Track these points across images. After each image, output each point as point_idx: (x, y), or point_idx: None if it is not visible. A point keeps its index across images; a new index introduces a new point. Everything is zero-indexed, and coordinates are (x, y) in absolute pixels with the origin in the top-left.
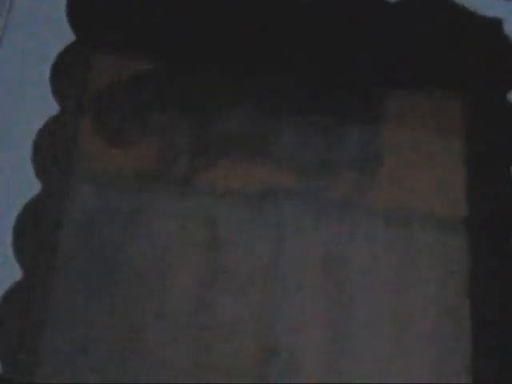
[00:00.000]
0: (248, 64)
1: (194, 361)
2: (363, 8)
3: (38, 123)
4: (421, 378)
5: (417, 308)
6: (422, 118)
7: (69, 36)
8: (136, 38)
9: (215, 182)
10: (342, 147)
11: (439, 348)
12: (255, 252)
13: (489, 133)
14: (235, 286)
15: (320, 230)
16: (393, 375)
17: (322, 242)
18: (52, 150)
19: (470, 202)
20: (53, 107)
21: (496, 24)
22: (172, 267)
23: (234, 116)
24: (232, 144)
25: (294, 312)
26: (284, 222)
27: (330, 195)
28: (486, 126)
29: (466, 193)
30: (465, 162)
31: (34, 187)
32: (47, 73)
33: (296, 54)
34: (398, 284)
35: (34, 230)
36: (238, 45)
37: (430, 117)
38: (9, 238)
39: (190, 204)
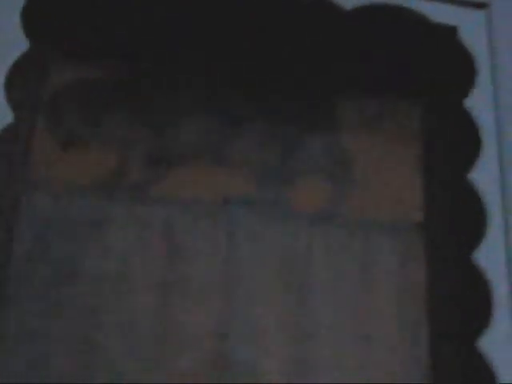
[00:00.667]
0: (207, 72)
1: (150, 372)
2: (319, 17)
3: None
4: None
5: (377, 316)
6: (381, 125)
7: (23, 44)
8: (92, 45)
9: (172, 190)
10: (303, 155)
11: (399, 360)
12: (211, 261)
13: (447, 138)
14: (192, 294)
15: (276, 239)
16: None
17: (279, 251)
18: (6, 159)
19: (427, 209)
20: (7, 115)
21: (451, 31)
22: (129, 277)
23: (192, 124)
24: (189, 152)
25: (250, 321)
26: (239, 230)
27: (289, 203)
28: (444, 131)
29: (424, 199)
30: (423, 168)
31: None
32: (1, 81)
33: (244, 65)
34: (358, 292)
35: None
36: (197, 52)
37: (390, 123)
38: None
39: (147, 213)
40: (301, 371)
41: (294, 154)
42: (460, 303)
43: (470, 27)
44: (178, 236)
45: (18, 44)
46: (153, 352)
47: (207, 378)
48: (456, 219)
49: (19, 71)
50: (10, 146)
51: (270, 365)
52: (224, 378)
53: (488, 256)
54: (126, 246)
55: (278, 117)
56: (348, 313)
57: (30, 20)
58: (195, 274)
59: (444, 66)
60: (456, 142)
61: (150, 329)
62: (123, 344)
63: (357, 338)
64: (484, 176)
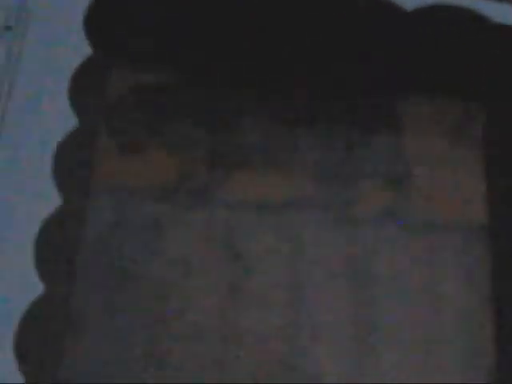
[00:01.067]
0: (260, 76)
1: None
2: (376, 16)
3: (58, 136)
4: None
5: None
6: (441, 127)
7: (86, 50)
8: (152, 51)
9: (232, 193)
10: (365, 156)
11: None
12: (273, 263)
13: (505, 140)
14: (256, 296)
15: (340, 241)
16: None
17: (343, 253)
18: (71, 164)
19: (490, 210)
20: (71, 120)
21: (508, 29)
22: (192, 279)
23: (250, 127)
24: (247, 155)
25: (314, 323)
26: (302, 233)
27: (353, 207)
28: (507, 134)
29: (487, 200)
30: (484, 169)
31: (55, 201)
32: (66, 86)
33: (305, 66)
34: (426, 290)
35: (55, 243)
36: (251, 59)
37: (449, 125)
38: (30, 252)
39: (208, 215)
40: (364, 373)
41: (356, 155)
42: None
43: None
44: (240, 238)
45: (81, 50)
46: (216, 353)
47: (271, 379)
48: None
49: (82, 77)
50: (74, 150)
51: (334, 366)
52: (288, 379)
53: None
54: (188, 248)
55: (339, 118)
56: (412, 314)
57: (93, 27)
58: (258, 276)
59: (506, 65)
60: None
61: (213, 329)
62: (187, 346)
63: (420, 340)
64: None
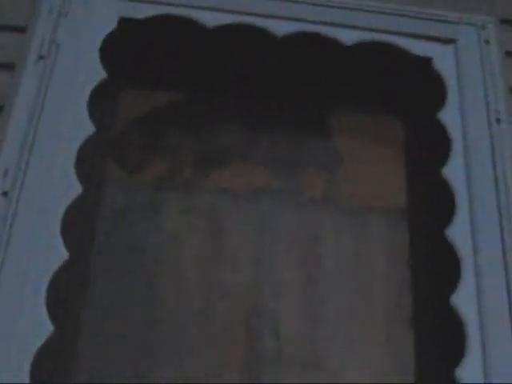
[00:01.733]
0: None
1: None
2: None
3: (79, 140)
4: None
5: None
6: (370, 133)
7: (102, 74)
8: (157, 75)
9: (214, 183)
10: (309, 154)
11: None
12: (246, 236)
13: (422, 141)
14: (230, 263)
15: (291, 216)
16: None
17: (294, 227)
18: (90, 161)
19: (408, 197)
20: (89, 128)
21: (427, 61)
22: (182, 251)
23: (226, 133)
24: (224, 154)
25: (276, 280)
26: (266, 212)
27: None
28: (420, 136)
29: (406, 190)
30: (402, 163)
31: (76, 189)
32: (85, 102)
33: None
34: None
35: (77, 222)
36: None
37: (378, 132)
38: (57, 229)
39: (195, 201)
40: (312, 318)
41: (302, 153)
42: (435, 270)
43: (442, 58)
44: (220, 219)
45: (96, 74)
46: (199, 302)
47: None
48: (431, 204)
49: (98, 95)
50: (91, 151)
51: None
52: (255, 323)
53: (457, 232)
54: (180, 226)
55: (291, 125)
56: (347, 277)
57: (107, 56)
58: (233, 247)
59: (422, 87)
60: (430, 143)
61: (197, 285)
62: (179, 296)
63: (356, 297)
64: (453, 169)
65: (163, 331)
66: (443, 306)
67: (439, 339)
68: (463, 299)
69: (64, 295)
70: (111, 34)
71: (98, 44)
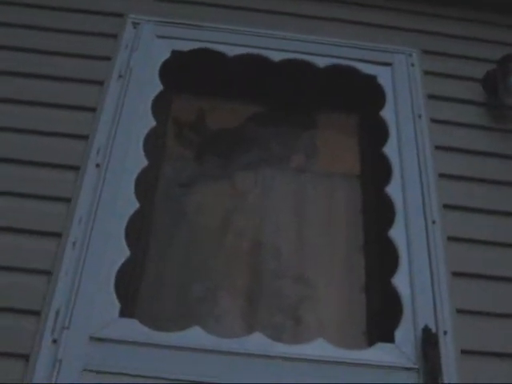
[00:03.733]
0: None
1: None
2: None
3: (145, 131)
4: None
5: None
6: (337, 126)
7: (159, 86)
8: (197, 88)
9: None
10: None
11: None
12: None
13: (370, 132)
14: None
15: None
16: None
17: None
18: (152, 146)
19: (362, 166)
20: (152, 122)
21: (374, 77)
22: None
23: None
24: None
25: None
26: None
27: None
28: (368, 127)
29: (359, 162)
30: (358, 146)
31: (143, 163)
32: (150, 105)
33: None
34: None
35: (144, 187)
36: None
37: (341, 125)
38: (132, 196)
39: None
40: (300, 248)
41: (293, 140)
42: (378, 213)
43: (383, 75)
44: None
45: (156, 87)
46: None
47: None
48: (376, 171)
49: (156, 105)
50: (154, 141)
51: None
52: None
53: (393, 188)
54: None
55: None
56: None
57: (164, 72)
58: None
59: (370, 95)
60: (376, 134)
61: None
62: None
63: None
64: (390, 147)
65: (198, 257)
66: (383, 236)
67: (381, 260)
68: (396, 233)
69: (137, 230)
70: (166, 61)
71: (158, 67)
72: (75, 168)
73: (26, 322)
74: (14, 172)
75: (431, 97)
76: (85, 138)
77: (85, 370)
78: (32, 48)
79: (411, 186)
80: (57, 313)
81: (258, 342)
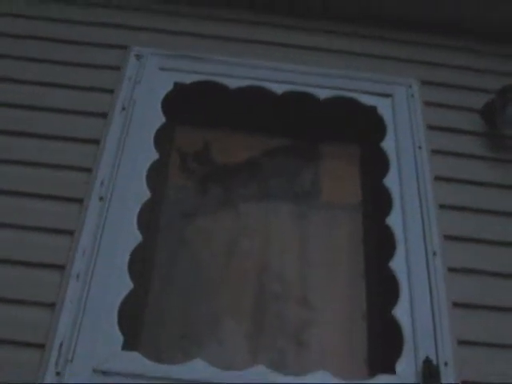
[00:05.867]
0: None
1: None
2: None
3: (148, 163)
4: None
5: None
6: (339, 157)
7: (162, 118)
8: (198, 119)
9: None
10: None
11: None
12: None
13: (371, 162)
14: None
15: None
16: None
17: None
18: (155, 178)
19: (363, 196)
20: (155, 154)
21: (374, 108)
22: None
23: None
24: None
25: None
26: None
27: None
28: (369, 158)
29: (360, 192)
30: (359, 177)
31: (146, 195)
32: (152, 137)
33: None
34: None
35: (147, 218)
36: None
37: (344, 156)
38: (135, 229)
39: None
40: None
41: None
42: (378, 245)
43: (383, 106)
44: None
45: (159, 119)
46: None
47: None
48: (376, 202)
49: (159, 137)
50: (156, 171)
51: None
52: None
53: (394, 219)
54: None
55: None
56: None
57: (167, 104)
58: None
59: (371, 126)
60: (377, 165)
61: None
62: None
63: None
64: (391, 179)
65: (200, 287)
66: (384, 266)
67: (382, 290)
68: (397, 264)
69: (140, 262)
70: (169, 93)
71: (161, 99)
72: (79, 200)
73: (30, 354)
74: (18, 204)
75: (431, 128)
76: (88, 170)
77: None
78: (35, 80)
79: (412, 216)
80: (60, 345)
81: (260, 373)
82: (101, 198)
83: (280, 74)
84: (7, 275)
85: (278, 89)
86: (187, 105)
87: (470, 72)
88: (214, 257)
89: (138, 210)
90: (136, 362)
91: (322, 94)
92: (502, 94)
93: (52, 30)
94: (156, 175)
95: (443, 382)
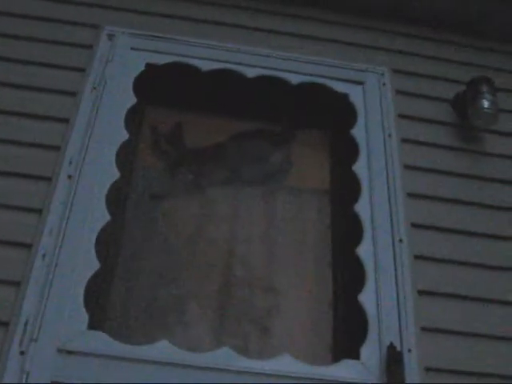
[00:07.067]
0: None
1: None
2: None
3: (118, 143)
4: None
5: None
6: (309, 143)
7: (133, 99)
8: (169, 100)
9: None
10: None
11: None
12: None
13: (342, 148)
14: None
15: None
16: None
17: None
18: (124, 158)
19: (332, 182)
20: (125, 135)
21: (346, 95)
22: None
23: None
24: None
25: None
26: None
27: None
28: (340, 145)
29: (329, 178)
30: (329, 163)
31: (115, 175)
32: (123, 117)
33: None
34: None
35: (116, 199)
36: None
37: (314, 142)
38: (104, 208)
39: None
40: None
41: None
42: (346, 229)
43: (355, 93)
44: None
45: (130, 99)
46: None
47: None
48: (345, 187)
49: (131, 113)
50: (126, 151)
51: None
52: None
53: (361, 206)
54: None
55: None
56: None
57: (138, 84)
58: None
59: (342, 113)
60: (347, 152)
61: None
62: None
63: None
64: (359, 165)
65: (167, 268)
66: (351, 252)
67: (348, 276)
68: (364, 250)
69: (107, 242)
70: (140, 74)
71: (132, 80)
72: (47, 179)
73: None
74: None
75: (402, 116)
76: (57, 148)
77: (52, 382)
78: (4, 56)
79: (379, 204)
80: (25, 324)
81: (225, 356)
82: (69, 177)
83: (252, 57)
84: None
85: (250, 72)
86: (159, 86)
87: (442, 62)
88: (181, 240)
89: (106, 189)
90: (101, 341)
91: (295, 79)
92: (472, 85)
93: (24, 6)
94: (125, 155)
95: (406, 368)
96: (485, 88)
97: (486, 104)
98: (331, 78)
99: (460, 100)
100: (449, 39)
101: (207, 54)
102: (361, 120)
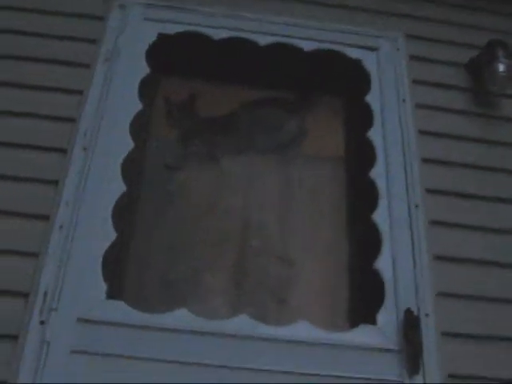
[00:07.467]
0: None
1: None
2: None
3: (131, 114)
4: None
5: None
6: (323, 110)
7: (146, 69)
8: (183, 70)
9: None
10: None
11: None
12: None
13: (357, 116)
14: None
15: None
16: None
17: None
18: (138, 128)
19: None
20: (139, 105)
21: (359, 61)
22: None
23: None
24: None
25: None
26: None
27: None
28: (355, 112)
29: (344, 145)
30: (343, 130)
31: (130, 145)
32: (137, 87)
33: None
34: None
35: (131, 169)
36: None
37: (328, 109)
38: (119, 178)
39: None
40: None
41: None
42: (361, 195)
43: (369, 59)
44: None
45: (143, 69)
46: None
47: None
48: (359, 155)
49: (143, 88)
50: (140, 120)
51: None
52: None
53: (377, 172)
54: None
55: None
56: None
57: (151, 57)
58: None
59: (356, 79)
60: (361, 118)
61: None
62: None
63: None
64: (375, 132)
65: (184, 238)
66: (366, 219)
67: (364, 242)
68: (380, 216)
69: (123, 212)
70: (153, 44)
71: (144, 50)
72: (62, 151)
73: (15, 303)
74: (1, 154)
75: (416, 82)
76: (72, 120)
77: (72, 351)
78: (17, 30)
79: (395, 170)
80: (44, 295)
81: (242, 323)
82: (84, 149)
83: (264, 25)
84: None
85: (262, 40)
86: (172, 55)
87: (456, 26)
88: (196, 210)
89: (121, 160)
90: (120, 310)
91: (307, 45)
92: (488, 49)
93: None
94: (139, 126)
95: (423, 332)
96: (500, 52)
97: (501, 68)
98: (344, 45)
99: (475, 64)
100: (463, 3)
101: (219, 22)
102: (375, 86)
